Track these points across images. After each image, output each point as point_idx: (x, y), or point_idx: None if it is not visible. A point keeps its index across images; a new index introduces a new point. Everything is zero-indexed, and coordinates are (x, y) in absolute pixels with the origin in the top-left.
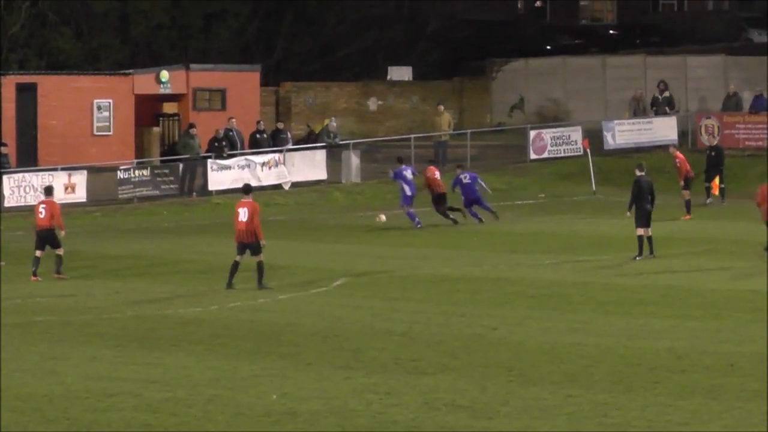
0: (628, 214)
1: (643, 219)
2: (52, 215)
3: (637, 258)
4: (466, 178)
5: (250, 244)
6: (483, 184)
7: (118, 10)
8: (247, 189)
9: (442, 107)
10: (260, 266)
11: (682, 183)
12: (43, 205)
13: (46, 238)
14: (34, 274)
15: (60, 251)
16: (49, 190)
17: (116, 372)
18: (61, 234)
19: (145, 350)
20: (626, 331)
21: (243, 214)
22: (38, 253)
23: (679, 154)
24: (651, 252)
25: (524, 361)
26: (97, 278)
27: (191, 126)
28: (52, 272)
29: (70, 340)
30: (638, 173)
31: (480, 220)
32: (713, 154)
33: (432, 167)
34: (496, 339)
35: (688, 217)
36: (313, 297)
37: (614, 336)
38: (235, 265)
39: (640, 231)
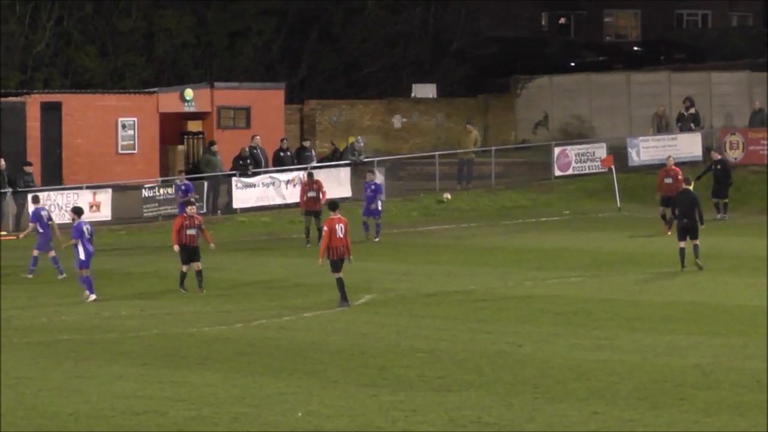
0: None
1: (682, 232)
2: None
3: (683, 270)
4: (371, 188)
5: (345, 259)
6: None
7: (142, 29)
8: (333, 205)
9: (470, 126)
10: (342, 282)
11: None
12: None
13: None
14: (181, 286)
15: (196, 265)
16: (186, 203)
17: (142, 390)
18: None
19: (171, 369)
20: (652, 348)
21: (340, 231)
22: (184, 268)
23: (668, 169)
24: (696, 258)
25: (550, 378)
26: (123, 297)
27: (212, 143)
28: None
29: (95, 358)
30: (684, 186)
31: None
32: (719, 167)
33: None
34: (522, 356)
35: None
36: (338, 314)
37: (640, 353)
38: (341, 281)
39: (682, 244)
